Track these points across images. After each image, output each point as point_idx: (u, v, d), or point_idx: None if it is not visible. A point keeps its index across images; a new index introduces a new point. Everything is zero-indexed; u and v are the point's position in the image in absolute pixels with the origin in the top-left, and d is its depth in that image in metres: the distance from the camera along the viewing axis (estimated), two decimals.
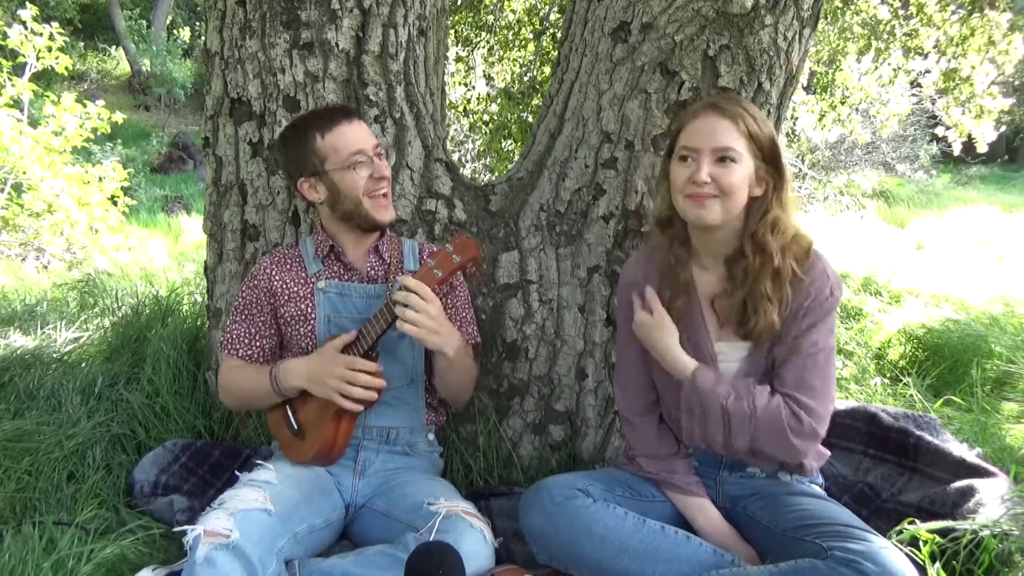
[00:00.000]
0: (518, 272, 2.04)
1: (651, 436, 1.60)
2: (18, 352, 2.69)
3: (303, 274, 1.76)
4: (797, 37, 1.85)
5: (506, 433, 2.06)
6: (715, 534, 1.51)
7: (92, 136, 5.93)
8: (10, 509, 1.74)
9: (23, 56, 5.65)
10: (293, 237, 2.03)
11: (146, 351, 2.44)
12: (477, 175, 7.04)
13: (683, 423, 1.51)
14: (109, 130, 5.95)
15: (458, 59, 6.09)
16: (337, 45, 1.94)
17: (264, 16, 1.94)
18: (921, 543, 1.42)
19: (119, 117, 5.91)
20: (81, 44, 14.86)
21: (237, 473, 1.60)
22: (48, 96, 5.80)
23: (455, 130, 7.25)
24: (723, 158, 1.40)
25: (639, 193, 1.95)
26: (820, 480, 1.61)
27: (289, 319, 1.73)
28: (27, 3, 5.60)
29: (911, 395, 2.65)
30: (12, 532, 1.57)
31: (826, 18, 5.38)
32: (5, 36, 5.55)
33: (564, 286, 2.04)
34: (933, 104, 6.91)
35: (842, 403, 2.13)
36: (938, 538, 1.42)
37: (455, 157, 7.14)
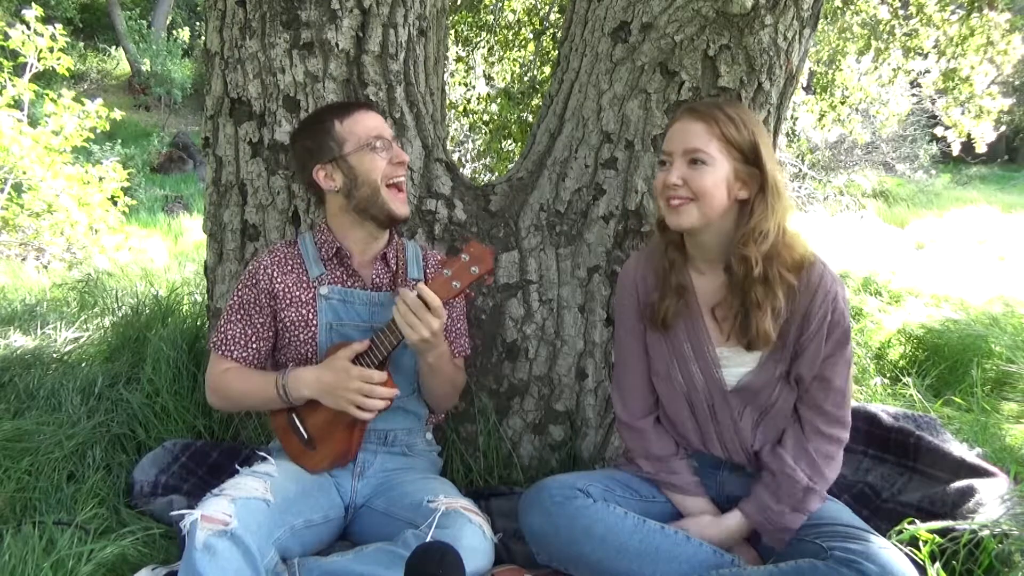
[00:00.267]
0: (518, 272, 2.04)
1: (650, 438, 1.60)
2: (18, 352, 2.69)
3: (305, 277, 1.69)
4: (797, 37, 1.85)
5: (506, 433, 2.06)
6: (715, 534, 1.51)
7: (92, 135, 5.93)
8: (10, 509, 1.74)
9: (24, 56, 5.64)
10: (293, 237, 2.03)
11: (146, 351, 2.44)
12: (477, 175, 7.04)
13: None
14: (108, 127, 5.94)
15: (458, 59, 6.09)
16: (337, 45, 1.94)
17: (264, 16, 1.94)
18: (921, 543, 1.42)
19: (118, 114, 5.90)
20: (81, 44, 14.86)
21: (238, 468, 1.59)
22: (48, 95, 5.80)
23: (455, 130, 7.25)
24: (694, 160, 1.40)
25: (639, 193, 1.95)
26: None
27: (289, 324, 1.67)
28: (32, 3, 5.59)
29: (911, 395, 2.65)
30: (12, 532, 1.57)
31: (826, 18, 5.38)
32: (6, 36, 5.54)
33: (564, 286, 2.04)
34: (933, 104, 6.91)
35: None
36: (938, 538, 1.42)
37: (455, 157, 7.14)
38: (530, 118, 5.48)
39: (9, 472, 1.82)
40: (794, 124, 8.53)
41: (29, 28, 5.56)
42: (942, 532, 1.44)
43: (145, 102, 14.34)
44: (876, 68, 5.85)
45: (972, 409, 2.55)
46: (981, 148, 5.64)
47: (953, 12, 4.92)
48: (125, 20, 14.88)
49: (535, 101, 5.57)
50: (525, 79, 5.88)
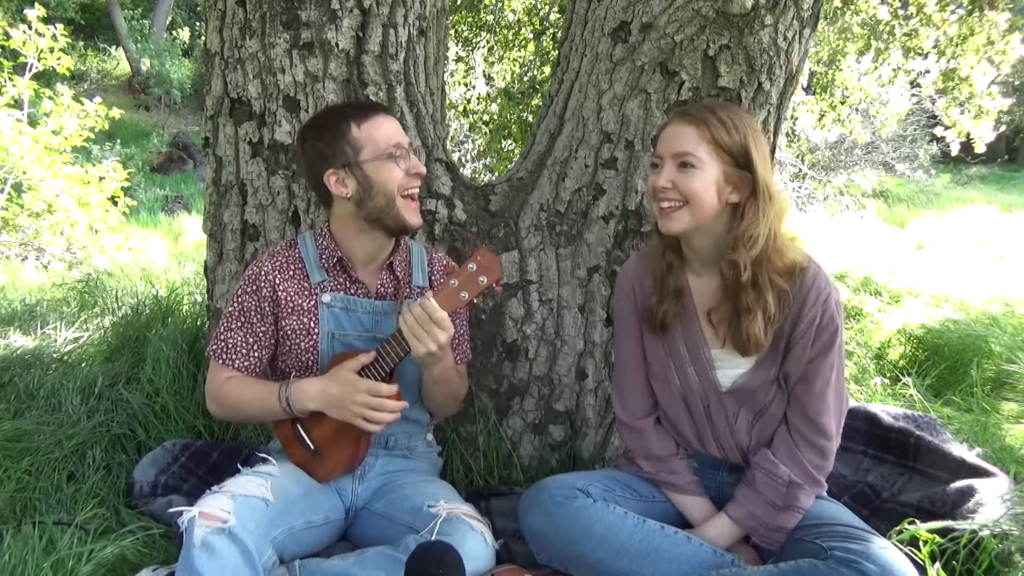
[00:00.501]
0: (518, 272, 2.04)
1: (650, 439, 1.60)
2: (18, 352, 2.70)
3: (306, 283, 1.63)
4: (797, 37, 1.85)
5: (506, 433, 2.06)
6: (715, 535, 1.51)
7: (91, 135, 5.93)
8: (10, 509, 1.74)
9: (24, 56, 5.64)
10: (292, 237, 2.03)
11: (146, 351, 2.44)
12: (477, 175, 7.04)
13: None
14: (107, 127, 5.94)
15: (458, 59, 6.09)
16: (337, 45, 1.94)
17: (264, 16, 1.94)
18: (921, 543, 1.42)
19: (116, 113, 5.90)
20: (81, 44, 14.87)
21: (240, 467, 1.59)
22: (47, 94, 5.80)
23: (455, 130, 7.25)
24: (683, 163, 1.39)
25: (639, 193, 1.95)
26: None
27: (290, 332, 1.62)
28: (34, 3, 5.60)
29: (911, 395, 2.65)
30: (12, 532, 1.57)
31: (826, 18, 5.38)
32: (7, 36, 5.54)
33: (564, 286, 2.04)
34: (933, 104, 6.91)
35: None
36: (938, 538, 1.42)
37: (455, 157, 7.13)
38: (530, 118, 5.48)
39: (9, 472, 1.82)
40: (794, 124, 8.53)
41: (30, 28, 5.56)
42: (942, 532, 1.44)
43: (145, 102, 14.34)
44: (876, 68, 5.85)
45: (972, 409, 2.55)
46: (980, 148, 5.64)
47: (953, 12, 4.93)
48: (126, 20, 14.88)
49: (535, 101, 5.57)
50: (525, 79, 5.88)
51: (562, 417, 2.06)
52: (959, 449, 1.89)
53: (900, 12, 5.23)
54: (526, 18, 5.93)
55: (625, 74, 1.92)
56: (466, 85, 6.31)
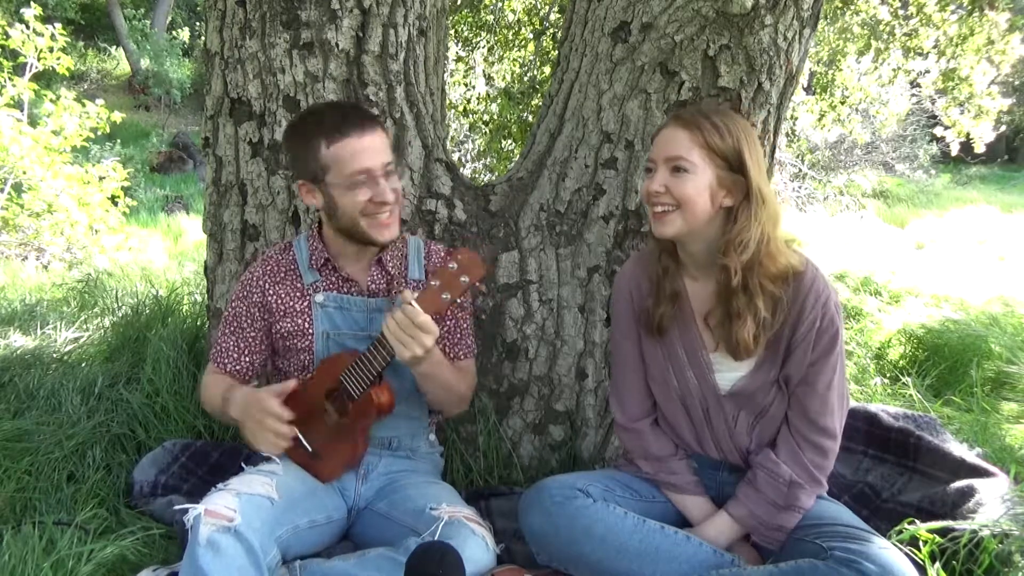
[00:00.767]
0: (518, 272, 2.04)
1: (648, 440, 1.60)
2: (18, 352, 2.69)
3: (299, 284, 1.64)
4: (797, 37, 1.85)
5: (506, 433, 2.06)
6: (715, 534, 1.51)
7: (92, 136, 5.93)
8: (10, 509, 1.74)
9: (24, 56, 5.64)
10: (292, 237, 2.03)
11: (146, 351, 2.44)
12: (477, 175, 7.04)
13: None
14: (108, 130, 5.94)
15: (458, 59, 6.09)
16: (337, 45, 1.94)
17: (264, 16, 1.94)
18: (921, 543, 1.42)
19: (118, 117, 5.89)
20: (81, 44, 14.87)
21: (244, 465, 1.59)
22: (47, 95, 5.80)
23: (455, 130, 7.25)
24: (676, 168, 1.39)
25: (639, 193, 1.95)
26: None
27: (285, 334, 1.64)
28: (30, 2, 5.59)
29: (911, 395, 2.65)
30: (12, 532, 1.57)
31: (826, 18, 5.38)
32: (6, 36, 5.54)
33: (564, 286, 2.04)
34: (932, 104, 6.92)
35: None
36: (938, 538, 1.42)
37: (455, 157, 7.13)
38: (530, 118, 5.48)
39: (9, 472, 1.82)
40: (794, 124, 8.53)
41: (28, 28, 5.56)
42: (942, 532, 1.44)
43: (145, 102, 14.34)
44: (876, 68, 5.85)
45: (972, 409, 2.55)
46: (980, 148, 5.65)
47: (953, 12, 4.93)
48: (125, 20, 14.88)
49: (535, 101, 5.57)
50: (525, 79, 5.88)
51: (562, 417, 2.06)
52: (959, 449, 1.89)
53: (900, 12, 5.23)
54: (526, 18, 5.93)
55: (625, 74, 1.92)
56: (466, 85, 6.31)
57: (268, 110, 1.98)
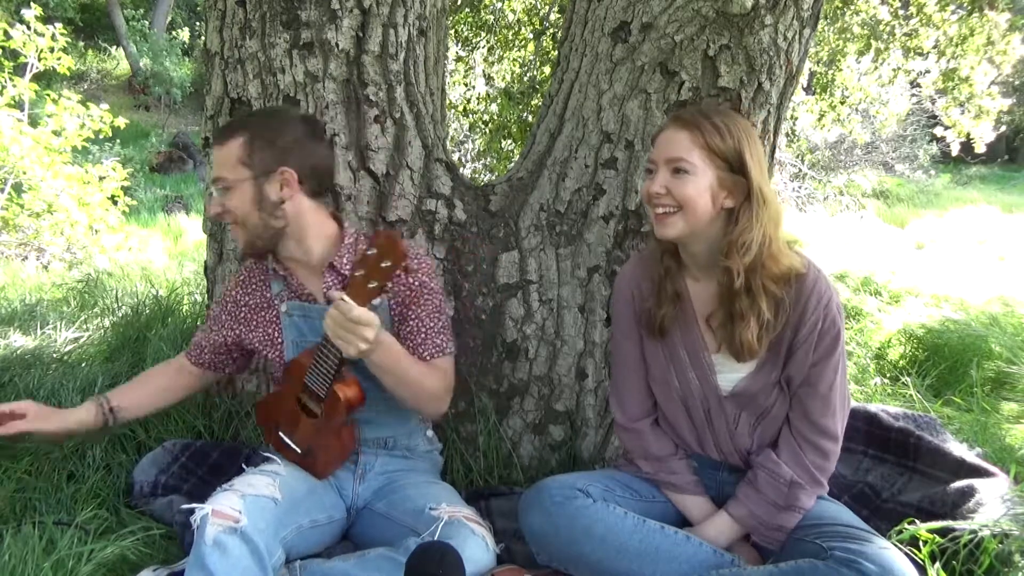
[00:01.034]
0: (518, 272, 2.04)
1: (648, 440, 1.60)
2: (18, 352, 2.69)
3: (268, 294, 1.66)
4: (797, 37, 1.85)
5: (506, 433, 2.06)
6: (715, 534, 1.51)
7: (92, 136, 5.93)
8: (10, 509, 1.74)
9: (24, 56, 5.64)
10: None
11: (146, 351, 2.44)
12: (477, 175, 7.04)
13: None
14: (111, 133, 5.94)
15: (458, 59, 6.09)
16: (337, 45, 1.94)
17: (264, 16, 1.94)
18: (921, 543, 1.42)
19: (122, 122, 5.89)
20: (81, 44, 14.87)
21: (244, 466, 1.60)
22: (48, 95, 5.79)
23: (455, 130, 7.25)
24: (677, 169, 1.39)
25: (639, 193, 1.95)
26: None
27: (258, 344, 1.69)
28: (31, 3, 5.59)
29: (911, 395, 2.65)
30: (12, 532, 1.57)
31: (826, 18, 5.38)
32: (7, 36, 5.54)
33: (564, 286, 2.04)
34: (933, 104, 6.92)
35: None
36: (938, 538, 1.42)
37: (455, 157, 7.14)
38: (530, 118, 5.48)
39: (9, 472, 1.82)
40: (794, 124, 8.53)
41: (29, 28, 5.56)
42: (942, 532, 1.44)
43: (145, 102, 14.34)
44: (876, 68, 5.85)
45: (972, 409, 2.55)
46: (980, 148, 5.65)
47: (953, 12, 4.93)
48: (125, 20, 14.88)
49: (535, 101, 5.57)
50: (525, 79, 5.88)
51: (562, 417, 2.07)
52: (959, 449, 1.89)
53: (900, 12, 5.23)
54: (526, 18, 5.93)
55: (625, 74, 1.92)
56: (466, 85, 6.31)
57: None
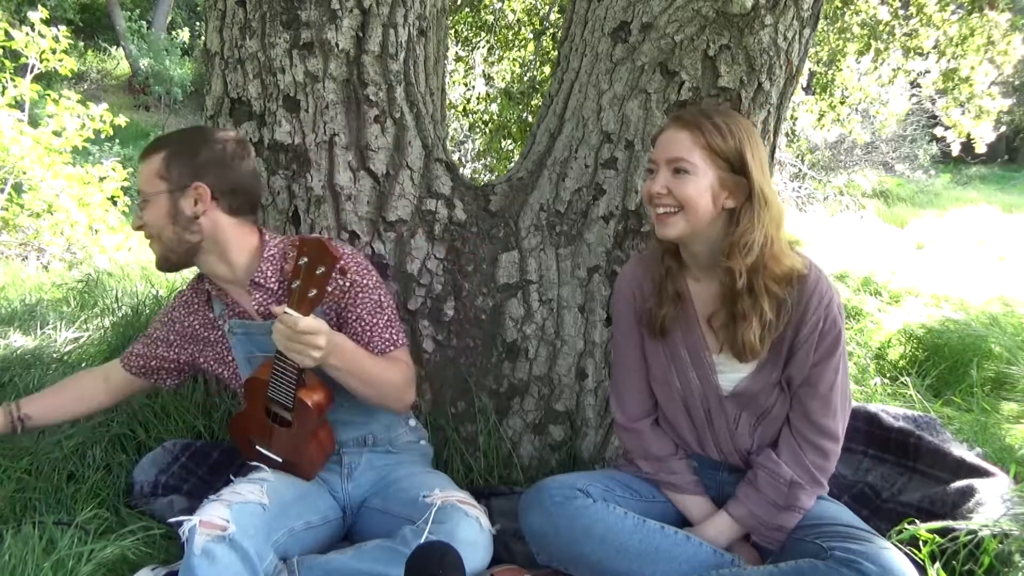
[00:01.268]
0: (518, 272, 2.04)
1: (648, 439, 1.60)
2: (18, 352, 2.69)
3: (211, 315, 1.67)
4: (797, 37, 1.85)
5: (506, 433, 2.06)
6: (715, 534, 1.51)
7: (92, 136, 5.93)
8: (10, 509, 1.74)
9: (25, 57, 5.64)
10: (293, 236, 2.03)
11: None
12: (477, 175, 7.05)
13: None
14: (112, 132, 5.94)
15: (458, 59, 6.10)
16: (337, 45, 1.94)
17: (264, 16, 1.94)
18: (921, 543, 1.42)
19: (122, 121, 5.90)
20: (81, 44, 14.86)
21: (232, 478, 1.59)
22: (49, 95, 5.79)
23: (455, 130, 7.26)
24: (678, 169, 1.39)
25: (639, 193, 1.95)
26: None
27: (213, 363, 1.70)
28: (37, 5, 5.60)
29: (911, 395, 2.65)
30: (12, 532, 1.57)
31: (826, 18, 5.38)
32: (9, 37, 5.54)
33: (564, 286, 2.04)
34: (933, 104, 6.92)
35: None
36: (938, 538, 1.42)
37: (455, 157, 7.14)
38: (530, 118, 5.48)
39: (9, 472, 1.82)
40: (794, 124, 8.53)
41: (33, 29, 5.57)
42: (942, 532, 1.44)
43: (145, 102, 14.34)
44: (876, 68, 5.86)
45: (972, 409, 2.55)
46: (981, 148, 5.65)
47: (953, 12, 4.93)
48: (125, 20, 14.88)
49: (535, 101, 5.57)
50: (525, 79, 5.89)
51: (562, 417, 2.07)
52: (959, 449, 1.89)
53: (900, 12, 5.23)
54: (526, 18, 5.93)
55: (625, 74, 1.92)
56: (466, 85, 6.31)
57: (268, 110, 1.98)
